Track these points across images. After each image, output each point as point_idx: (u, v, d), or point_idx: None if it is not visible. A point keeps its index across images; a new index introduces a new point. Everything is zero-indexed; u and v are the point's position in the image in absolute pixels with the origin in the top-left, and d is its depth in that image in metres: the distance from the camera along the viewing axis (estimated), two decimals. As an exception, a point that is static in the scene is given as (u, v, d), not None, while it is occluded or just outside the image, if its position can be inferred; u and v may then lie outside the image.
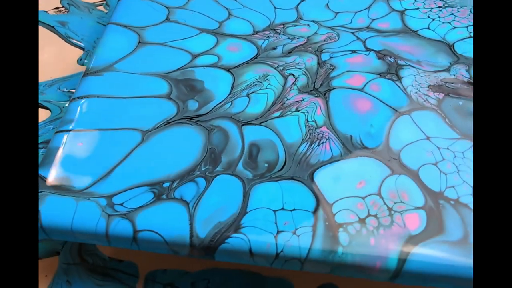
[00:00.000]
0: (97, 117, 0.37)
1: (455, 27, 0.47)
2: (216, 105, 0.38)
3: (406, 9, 0.49)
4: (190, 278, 0.38)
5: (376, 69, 0.42)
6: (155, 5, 0.47)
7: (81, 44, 0.57)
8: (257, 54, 0.43)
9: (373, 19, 0.47)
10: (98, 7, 0.62)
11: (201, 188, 0.33)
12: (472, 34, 0.46)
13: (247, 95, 0.39)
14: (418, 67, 0.42)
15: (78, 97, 0.38)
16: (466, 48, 0.45)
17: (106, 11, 0.61)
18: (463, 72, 0.42)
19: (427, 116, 0.38)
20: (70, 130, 0.36)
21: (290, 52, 0.43)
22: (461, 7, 0.49)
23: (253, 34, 0.45)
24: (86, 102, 0.38)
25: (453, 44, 0.45)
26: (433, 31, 0.46)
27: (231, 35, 0.44)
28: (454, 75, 0.42)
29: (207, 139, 0.35)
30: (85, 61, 0.55)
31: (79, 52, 0.56)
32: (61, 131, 0.36)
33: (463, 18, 0.48)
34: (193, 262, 0.39)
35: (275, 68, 0.41)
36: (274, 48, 0.43)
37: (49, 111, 0.49)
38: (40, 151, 0.45)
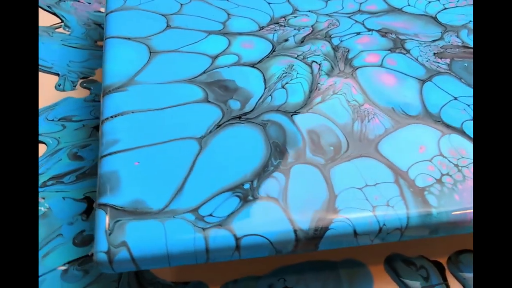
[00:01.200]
0: (141, 132, 0.33)
1: (429, 2, 0.50)
2: (258, 101, 0.36)
3: (383, -9, 0.51)
4: (265, 281, 0.36)
5: (384, 46, 0.43)
6: (149, 14, 0.44)
7: (52, 69, 0.51)
8: (272, 47, 0.42)
9: (361, 3, 0.49)
10: (57, 30, 0.56)
11: (282, 181, 0.31)
12: (446, 4, 0.50)
13: (283, 87, 0.38)
14: (417, 39, 0.45)
15: (111, 117, 0.34)
16: (447, 18, 0.48)
17: (67, 32, 0.56)
18: (454, 38, 0.45)
19: (446, 80, 0.40)
20: (118, 152, 0.32)
21: (302, 42, 0.43)
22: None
23: (260, 30, 0.44)
24: (122, 119, 0.34)
25: (435, 15, 0.48)
26: (414, 7, 0.49)
27: (240, 33, 0.43)
28: (449, 42, 0.45)
29: (265, 134, 0.34)
30: (62, 86, 0.49)
31: (53, 78, 0.50)
32: (108, 154, 0.31)
33: (431, -7, 0.52)
34: (259, 266, 0.37)
35: (296, 58, 0.41)
36: (286, 40, 0.43)
37: (45, 145, 0.43)
38: (55, 187, 0.40)
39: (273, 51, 0.41)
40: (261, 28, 0.44)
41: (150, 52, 0.40)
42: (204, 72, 0.38)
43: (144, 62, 0.39)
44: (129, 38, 0.41)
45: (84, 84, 0.50)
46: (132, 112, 0.34)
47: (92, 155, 0.43)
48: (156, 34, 0.42)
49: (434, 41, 0.45)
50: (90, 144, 0.44)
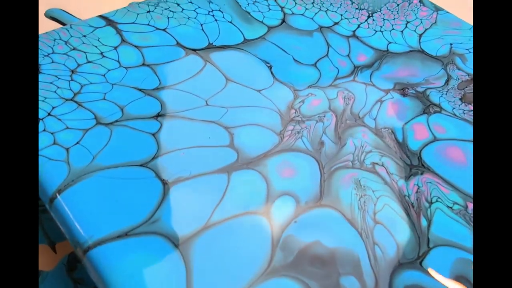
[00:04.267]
0: None
1: (401, 31, 0.45)
2: (370, 262, 0.26)
3: (353, 31, 0.43)
4: None
5: (416, 109, 0.36)
6: (135, 172, 0.28)
7: None
8: (318, 164, 0.31)
9: (347, 55, 0.40)
10: None
11: None
12: (417, 31, 0.45)
13: (375, 221, 0.28)
14: (433, 86, 0.39)
15: None
16: (431, 47, 0.43)
17: None
18: (458, 72, 0.41)
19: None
20: None
21: (339, 138, 0.33)
22: (380, 9, 0.47)
23: (282, 140, 0.32)
24: None
25: (421, 48, 0.43)
26: (395, 43, 0.43)
27: (264, 155, 0.30)
28: (458, 79, 0.40)
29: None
30: None
31: None
32: None
33: (393, 19, 0.46)
34: None
35: (352, 167, 0.31)
36: (322, 144, 0.32)
37: None
38: None
39: (323, 169, 0.30)
40: (281, 135, 0.32)
41: (184, 261, 0.24)
42: (277, 245, 0.25)
43: (183, 275, 0.24)
44: (125, 235, 0.25)
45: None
46: None
47: None
48: (159, 208, 0.26)
49: (446, 82, 0.39)
50: None
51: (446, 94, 0.38)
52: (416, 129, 0.34)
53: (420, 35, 0.44)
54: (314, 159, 0.31)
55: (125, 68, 0.34)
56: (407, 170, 0.31)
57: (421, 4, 0.48)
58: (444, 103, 0.37)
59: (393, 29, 0.45)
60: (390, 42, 0.43)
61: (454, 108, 0.37)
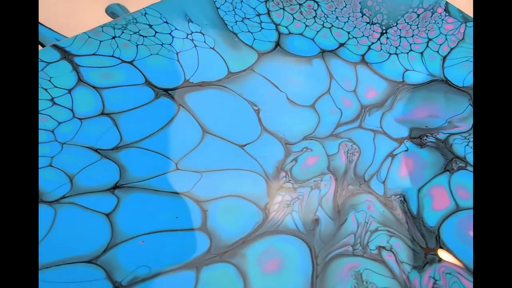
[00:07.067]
0: None
1: (421, 53, 0.39)
2: None
3: (362, 56, 0.37)
4: None
5: (437, 164, 0.31)
6: (81, 272, 0.23)
7: None
8: (311, 251, 0.26)
9: (353, 90, 0.35)
10: None
11: None
12: (440, 51, 0.39)
13: (379, 336, 0.23)
14: (457, 131, 0.33)
15: None
16: (456, 74, 0.37)
17: None
18: (488, 108, 0.35)
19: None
20: None
21: (339, 212, 0.28)
22: (396, 22, 0.41)
23: (267, 219, 0.27)
24: None
25: (444, 76, 0.37)
26: (413, 70, 0.37)
27: (243, 241, 0.26)
28: (488, 118, 0.34)
29: None
30: None
31: None
32: None
33: (411, 36, 0.40)
34: None
35: (353, 255, 0.26)
36: (317, 221, 0.27)
37: None
38: None
39: (316, 258, 0.26)
40: (267, 211, 0.27)
41: None
42: None
43: None
44: None
45: None
46: None
47: None
48: None
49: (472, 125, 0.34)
50: None
51: (471, 142, 0.33)
52: (435, 194, 0.29)
53: (444, 58, 0.38)
54: (306, 244, 0.26)
55: (80, 119, 0.30)
56: (421, 257, 0.26)
57: (447, 14, 0.42)
58: (470, 155, 0.32)
59: (411, 50, 0.39)
60: (406, 70, 0.37)
61: (482, 162, 0.31)
